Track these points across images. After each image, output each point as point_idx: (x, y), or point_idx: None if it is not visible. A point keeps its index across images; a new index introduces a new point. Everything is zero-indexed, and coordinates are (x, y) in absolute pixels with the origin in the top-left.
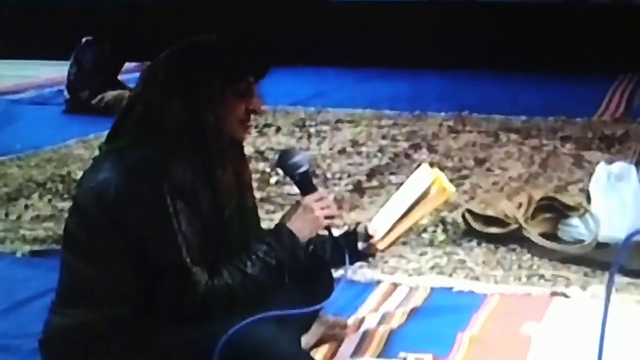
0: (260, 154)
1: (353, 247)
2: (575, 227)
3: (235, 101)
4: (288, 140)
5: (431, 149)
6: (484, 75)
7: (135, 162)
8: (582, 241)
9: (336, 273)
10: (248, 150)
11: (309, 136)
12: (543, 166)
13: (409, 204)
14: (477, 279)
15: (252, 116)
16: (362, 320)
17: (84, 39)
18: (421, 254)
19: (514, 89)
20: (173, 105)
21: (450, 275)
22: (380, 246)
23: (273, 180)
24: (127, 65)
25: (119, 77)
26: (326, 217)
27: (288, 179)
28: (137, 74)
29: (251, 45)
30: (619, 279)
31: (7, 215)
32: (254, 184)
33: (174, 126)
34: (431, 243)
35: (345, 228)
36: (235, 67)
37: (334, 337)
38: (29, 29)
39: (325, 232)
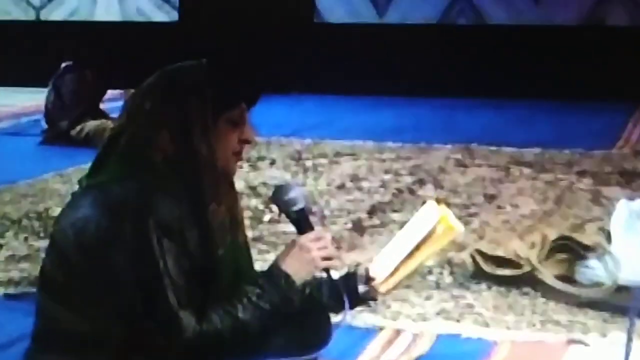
0: (253, 190)
1: (353, 290)
2: (593, 269)
3: (228, 131)
4: (283, 175)
5: (437, 185)
6: (494, 103)
7: (118, 198)
8: (600, 284)
9: (334, 318)
10: (239, 185)
11: (305, 170)
12: (558, 203)
13: (414, 243)
14: (486, 324)
15: (244, 148)
16: None
17: (63, 64)
18: (426, 298)
19: (526, 118)
20: (161, 135)
21: (458, 320)
22: (382, 289)
23: (266, 217)
24: (110, 92)
25: (101, 106)
26: (324, 258)
27: (283, 216)
28: (121, 103)
29: (244, 69)
30: None
31: None
32: (246, 222)
33: (162, 159)
34: (437, 286)
35: (345, 270)
36: (230, 93)
37: None
38: (3, 53)
39: (323, 274)
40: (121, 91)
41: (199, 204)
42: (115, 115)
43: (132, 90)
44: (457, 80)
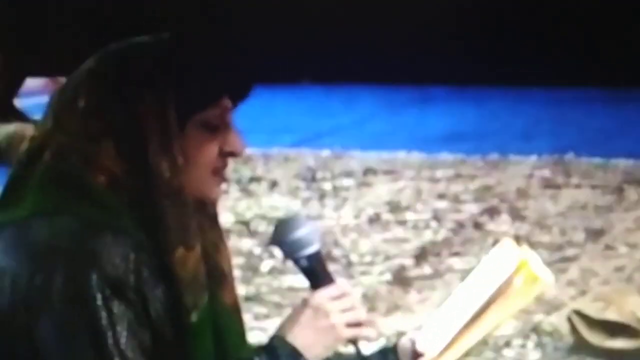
0: (245, 225)
1: None
2: None
3: (204, 139)
4: (288, 203)
5: (515, 215)
6: (598, 96)
7: (44, 241)
8: None
9: None
10: (226, 218)
11: (322, 196)
12: None
13: (481, 302)
14: None
15: (228, 164)
16: None
17: None
18: None
19: None
20: (103, 148)
21: None
22: None
23: (266, 267)
24: (30, 83)
25: (16, 103)
26: (349, 325)
27: (289, 264)
28: (46, 98)
29: (227, 46)
30: None
31: None
32: (236, 273)
33: (105, 183)
34: None
35: (382, 342)
36: (203, 83)
37: None
38: None
39: (349, 349)
40: (45, 81)
41: (161, 248)
42: (37, 116)
43: (62, 80)
44: (543, 64)
